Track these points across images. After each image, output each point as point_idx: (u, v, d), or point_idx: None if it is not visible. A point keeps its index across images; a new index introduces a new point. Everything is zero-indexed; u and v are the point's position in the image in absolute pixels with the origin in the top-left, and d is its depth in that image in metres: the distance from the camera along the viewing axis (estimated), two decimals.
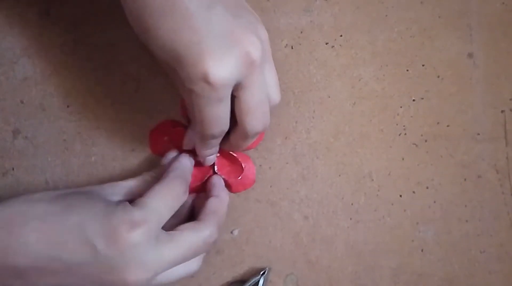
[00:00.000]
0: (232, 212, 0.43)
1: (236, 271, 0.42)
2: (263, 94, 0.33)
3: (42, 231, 0.32)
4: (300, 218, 0.43)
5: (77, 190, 0.37)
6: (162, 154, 0.41)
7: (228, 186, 0.42)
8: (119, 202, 0.34)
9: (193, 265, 0.36)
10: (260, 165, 0.43)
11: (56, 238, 0.32)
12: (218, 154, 0.42)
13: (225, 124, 0.34)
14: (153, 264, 0.32)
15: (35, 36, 0.43)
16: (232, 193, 0.43)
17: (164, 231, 0.34)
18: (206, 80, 0.30)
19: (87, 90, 0.43)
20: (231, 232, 0.43)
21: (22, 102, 0.43)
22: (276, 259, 0.42)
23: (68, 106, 0.43)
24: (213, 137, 0.34)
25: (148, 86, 0.43)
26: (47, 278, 0.32)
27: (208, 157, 0.39)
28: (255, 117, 0.33)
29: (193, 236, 0.35)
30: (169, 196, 0.35)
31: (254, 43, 0.31)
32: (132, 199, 0.35)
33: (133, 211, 0.33)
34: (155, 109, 0.43)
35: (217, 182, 0.41)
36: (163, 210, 0.34)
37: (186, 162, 0.39)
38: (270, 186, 0.43)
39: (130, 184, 0.38)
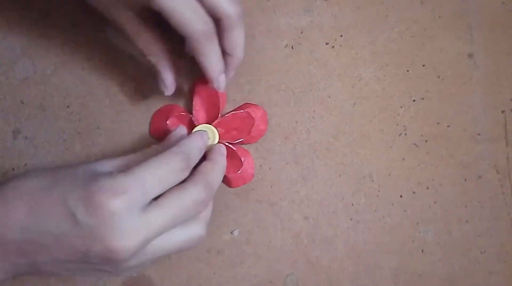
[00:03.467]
0: (232, 212, 0.42)
1: (236, 271, 0.42)
2: None
3: (31, 205, 0.32)
4: (300, 218, 0.43)
5: (69, 165, 0.36)
6: (160, 138, 0.41)
7: (227, 181, 0.42)
8: (107, 173, 0.33)
9: (195, 229, 0.35)
10: (260, 165, 0.43)
11: (44, 211, 0.31)
12: None
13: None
14: (139, 230, 0.31)
15: (35, 36, 0.43)
16: (232, 194, 0.43)
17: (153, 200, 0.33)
18: None
19: (87, 90, 0.43)
20: (231, 232, 0.43)
21: (22, 102, 0.43)
22: (276, 259, 0.42)
23: (68, 106, 0.43)
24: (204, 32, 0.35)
25: (148, 86, 0.43)
26: (42, 253, 0.32)
27: (221, 78, 0.38)
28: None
29: (179, 197, 0.33)
30: (162, 169, 0.33)
31: None
32: None
33: (115, 179, 0.31)
34: (155, 109, 0.43)
35: (216, 148, 0.39)
36: (151, 180, 0.32)
37: (197, 141, 0.37)
38: (270, 186, 0.43)
39: (128, 158, 0.37)
